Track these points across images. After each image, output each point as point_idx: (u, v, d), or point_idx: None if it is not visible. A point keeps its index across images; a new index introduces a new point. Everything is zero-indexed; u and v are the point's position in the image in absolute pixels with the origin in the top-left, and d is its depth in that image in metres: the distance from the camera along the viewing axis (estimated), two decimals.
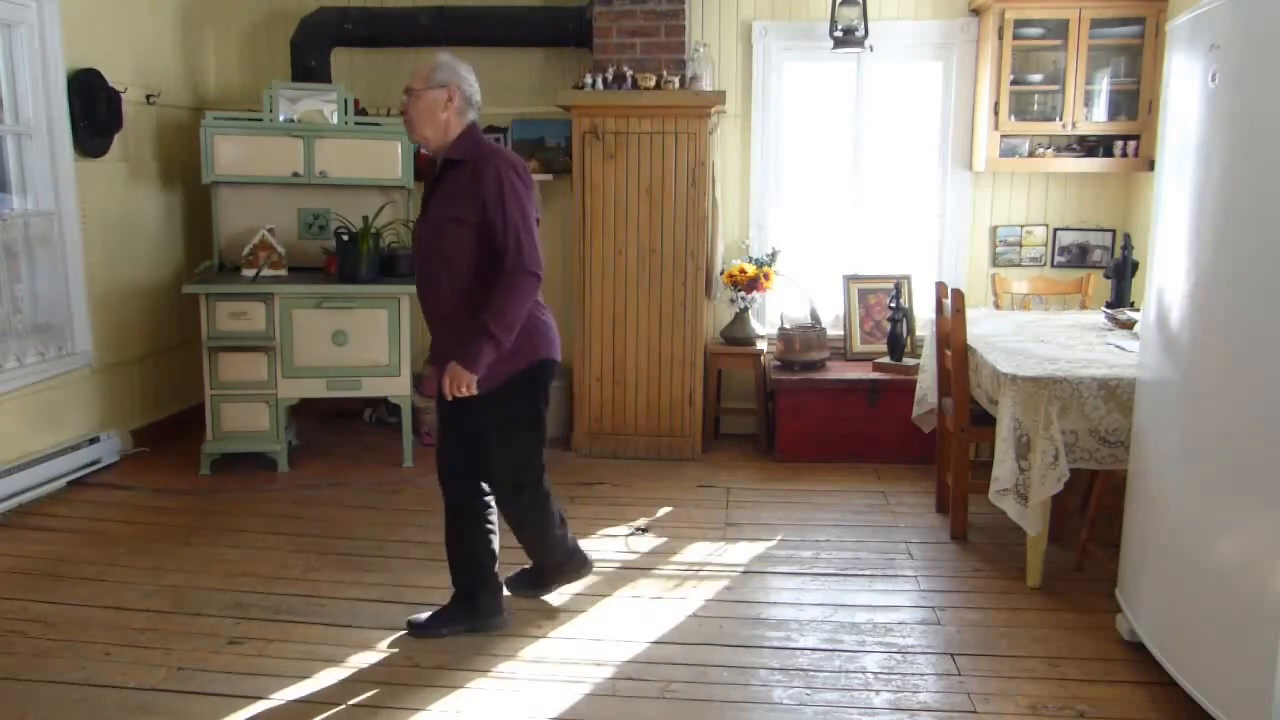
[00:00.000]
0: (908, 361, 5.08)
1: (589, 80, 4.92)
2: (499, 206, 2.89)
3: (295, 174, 4.95)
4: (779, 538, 4.03)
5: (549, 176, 5.43)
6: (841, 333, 5.40)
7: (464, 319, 2.94)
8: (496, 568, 3.24)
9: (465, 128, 3.00)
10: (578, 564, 3.46)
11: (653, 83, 4.85)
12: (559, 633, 3.21)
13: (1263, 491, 2.32)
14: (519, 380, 3.05)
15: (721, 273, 5.25)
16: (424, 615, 3.21)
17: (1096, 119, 4.95)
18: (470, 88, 3.01)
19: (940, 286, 4.29)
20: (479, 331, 2.88)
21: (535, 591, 3.45)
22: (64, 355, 4.53)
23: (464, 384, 2.89)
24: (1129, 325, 4.01)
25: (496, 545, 3.23)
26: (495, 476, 3.17)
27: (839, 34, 5.06)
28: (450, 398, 2.91)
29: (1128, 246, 4.36)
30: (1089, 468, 3.49)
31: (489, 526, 3.21)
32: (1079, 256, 5.34)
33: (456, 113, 2.97)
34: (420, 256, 3.10)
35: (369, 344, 4.78)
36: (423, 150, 3.12)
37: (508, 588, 3.38)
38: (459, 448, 3.17)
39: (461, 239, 2.94)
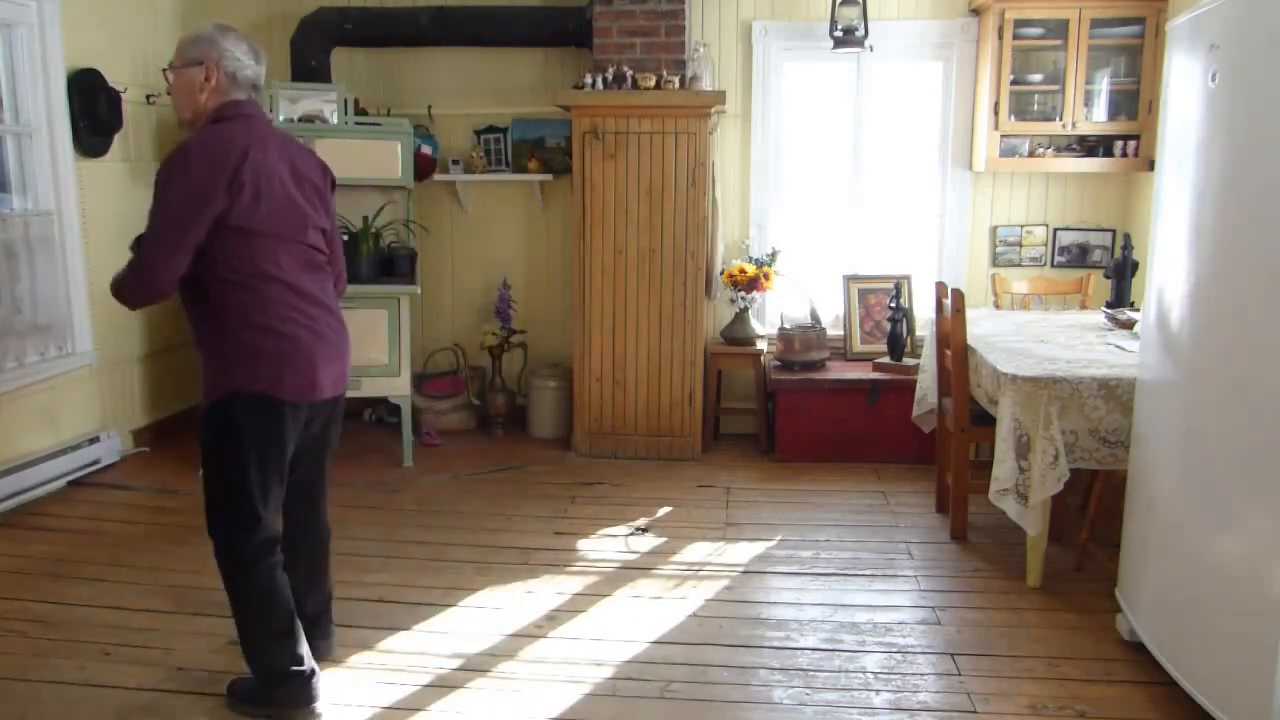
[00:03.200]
0: (908, 361, 5.08)
1: (589, 80, 4.92)
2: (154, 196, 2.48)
3: None
4: (779, 538, 4.03)
5: (549, 176, 5.44)
6: (841, 333, 5.40)
7: (195, 327, 2.59)
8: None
9: (219, 106, 2.56)
10: (290, 699, 2.65)
11: (653, 83, 4.85)
12: (559, 633, 3.21)
13: (1263, 491, 2.32)
14: (215, 410, 2.56)
15: (721, 273, 5.25)
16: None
17: (1096, 119, 4.95)
18: (234, 62, 2.56)
19: (940, 286, 4.29)
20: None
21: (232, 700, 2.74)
22: (64, 355, 4.53)
23: None
24: (1129, 325, 4.01)
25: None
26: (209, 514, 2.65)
27: (839, 34, 5.06)
28: None
29: (1128, 246, 4.36)
30: (1089, 468, 3.49)
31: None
32: (1079, 256, 5.34)
33: (216, 91, 2.55)
34: None
35: (369, 344, 4.77)
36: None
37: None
38: None
39: None
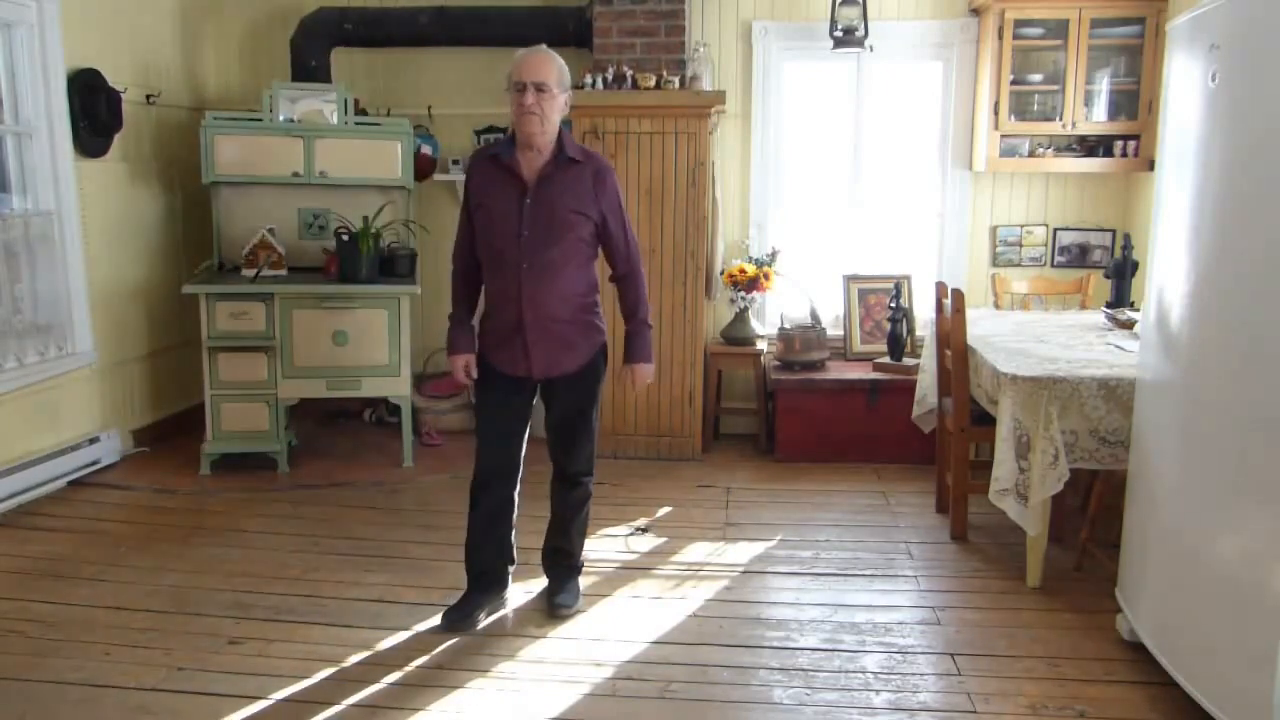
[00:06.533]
0: (908, 361, 5.08)
1: (589, 80, 4.92)
2: (619, 213, 3.18)
3: (295, 174, 4.95)
4: (779, 538, 4.03)
5: None
6: (841, 333, 5.41)
7: (581, 307, 3.20)
8: None
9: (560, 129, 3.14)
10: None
11: (653, 83, 4.85)
12: (559, 633, 3.21)
13: (1263, 491, 2.32)
14: (599, 358, 3.28)
15: (721, 273, 5.25)
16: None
17: (1096, 119, 4.95)
18: None
19: (940, 286, 4.29)
20: (641, 327, 3.30)
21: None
22: (64, 355, 4.52)
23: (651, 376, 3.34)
24: (1129, 325, 4.01)
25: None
26: (582, 461, 3.39)
27: (839, 34, 5.06)
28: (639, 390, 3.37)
29: (1128, 246, 4.36)
30: (1089, 468, 3.49)
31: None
32: (1079, 256, 5.34)
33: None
34: (540, 243, 3.07)
35: (369, 344, 4.78)
36: (533, 143, 3.01)
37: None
38: (520, 442, 3.39)
39: (585, 233, 3.13)
